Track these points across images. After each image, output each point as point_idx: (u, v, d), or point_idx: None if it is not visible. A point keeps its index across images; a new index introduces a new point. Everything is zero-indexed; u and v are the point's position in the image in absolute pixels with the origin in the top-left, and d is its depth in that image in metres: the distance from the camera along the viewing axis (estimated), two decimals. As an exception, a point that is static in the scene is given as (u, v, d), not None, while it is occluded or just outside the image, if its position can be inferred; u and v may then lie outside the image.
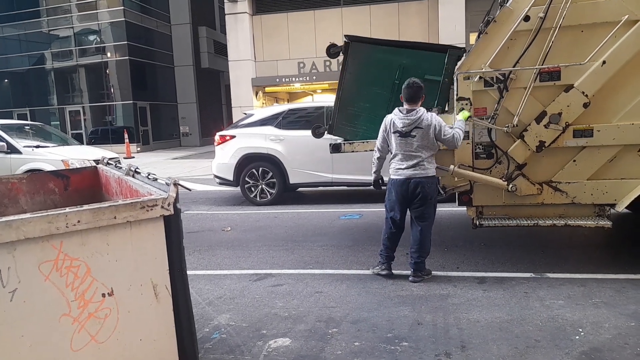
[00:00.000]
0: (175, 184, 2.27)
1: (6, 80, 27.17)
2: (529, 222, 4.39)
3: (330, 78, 18.14)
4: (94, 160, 8.20)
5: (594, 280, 4.09)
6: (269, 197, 8.41)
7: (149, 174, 2.69)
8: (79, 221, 2.04)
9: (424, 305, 3.78)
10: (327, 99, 16.71)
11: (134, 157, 19.69)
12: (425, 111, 4.17)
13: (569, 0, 4.06)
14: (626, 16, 3.97)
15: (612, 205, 4.27)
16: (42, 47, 25.89)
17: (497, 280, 4.23)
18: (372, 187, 4.71)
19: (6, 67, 26.74)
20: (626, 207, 4.26)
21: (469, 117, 4.32)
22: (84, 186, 3.70)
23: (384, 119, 4.34)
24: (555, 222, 4.33)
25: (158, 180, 2.55)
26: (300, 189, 9.26)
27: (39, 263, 2.00)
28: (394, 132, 4.20)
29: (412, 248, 4.33)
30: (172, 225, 2.27)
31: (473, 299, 3.86)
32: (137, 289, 2.21)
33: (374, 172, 4.55)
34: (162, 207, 2.21)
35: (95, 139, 24.18)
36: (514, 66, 4.26)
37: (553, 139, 4.25)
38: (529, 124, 4.28)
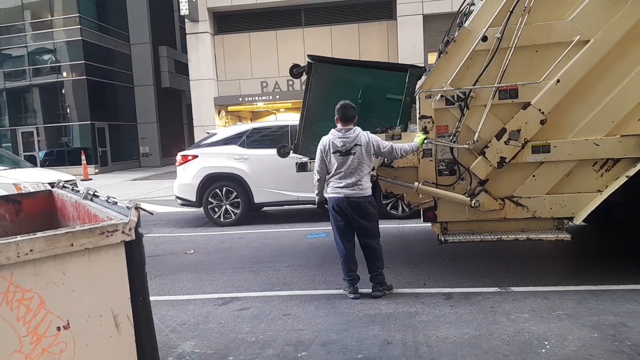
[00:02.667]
0: (137, 208, 2.17)
1: (-46, 101, 25.96)
2: (492, 237, 4.46)
3: (294, 97, 18.23)
4: (49, 184, 7.88)
5: (556, 293, 4.18)
6: (233, 217, 8.27)
7: (108, 198, 2.57)
8: (31, 250, 1.92)
9: (392, 323, 3.76)
10: (291, 118, 16.74)
11: (91, 179, 19.07)
12: (361, 130, 4.28)
13: (523, 22, 4.22)
14: (578, 37, 4.15)
15: (571, 219, 4.40)
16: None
17: (464, 296, 4.26)
18: (318, 209, 4.71)
19: (-46, 87, 25.57)
20: (583, 220, 4.40)
21: (425, 140, 4.39)
22: (37, 211, 3.51)
23: (321, 140, 4.39)
24: (517, 236, 4.42)
25: (118, 204, 2.44)
26: (265, 209, 9.16)
27: (-13, 296, 1.86)
28: (334, 152, 4.27)
29: (368, 265, 4.41)
30: (134, 251, 2.16)
31: (441, 315, 3.87)
32: (96, 320, 2.08)
33: (317, 195, 4.59)
34: (123, 232, 2.10)
35: (50, 161, 23.28)
36: (474, 85, 4.36)
37: (513, 155, 4.36)
38: (490, 141, 4.38)
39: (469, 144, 4.40)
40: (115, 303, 2.14)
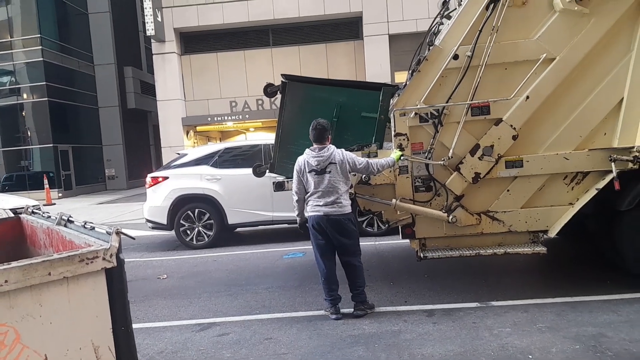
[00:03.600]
0: (118, 232, 2.09)
1: None
2: (470, 252, 4.50)
3: (263, 116, 18.20)
4: (12, 210, 7.55)
5: (535, 306, 4.23)
6: (206, 239, 8.10)
7: (85, 223, 2.47)
8: (6, 281, 1.81)
9: (377, 343, 3.72)
10: (262, 137, 16.70)
11: (55, 204, 18.42)
12: (335, 148, 4.29)
13: (492, 40, 4.35)
14: (544, 55, 4.30)
15: (545, 232, 4.49)
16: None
17: (446, 312, 4.27)
18: (300, 229, 4.68)
19: None
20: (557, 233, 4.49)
21: (401, 157, 4.43)
22: (4, 239, 3.33)
23: (296, 161, 4.39)
24: (495, 250, 4.48)
25: (96, 229, 2.34)
26: (239, 229, 9.02)
27: (-42, 333, 1.73)
28: (310, 171, 4.27)
29: (349, 284, 4.38)
30: (115, 278, 2.07)
31: (424, 333, 3.85)
32: (75, 353, 1.97)
33: (298, 216, 4.57)
34: (104, 258, 2.02)
35: (10, 186, 22.36)
36: (446, 102, 4.45)
37: (487, 170, 4.44)
38: (464, 157, 4.46)
39: (443, 160, 4.46)
40: (96, 334, 2.04)
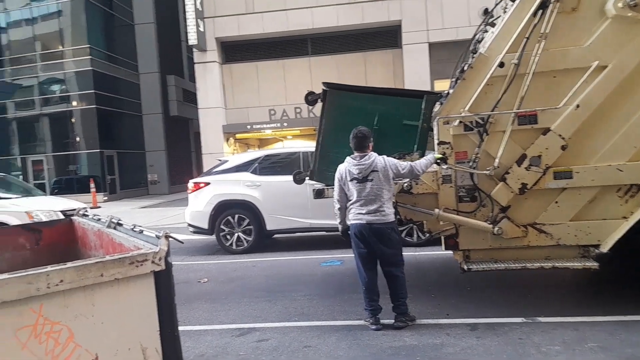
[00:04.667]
0: (167, 236, 2.12)
1: (-35, 131, 26.28)
2: (516, 265, 4.36)
3: (302, 124, 18.33)
4: (62, 212, 7.85)
5: (586, 324, 4.04)
6: (245, 245, 8.18)
7: (134, 226, 2.53)
8: (61, 281, 1.86)
9: (418, 356, 3.64)
10: (300, 145, 16.81)
11: (100, 207, 19.07)
12: (377, 155, 4.23)
13: (540, 48, 4.23)
14: (596, 62, 4.14)
15: (597, 246, 4.30)
16: (4, 97, 25.26)
17: (489, 327, 4.14)
18: (342, 237, 4.66)
19: (-35, 117, 25.92)
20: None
21: (440, 159, 4.35)
22: (57, 241, 3.46)
23: (337, 169, 4.36)
24: (542, 264, 4.31)
25: (145, 232, 2.39)
26: (277, 236, 9.08)
27: (16, 329, 1.79)
28: (351, 180, 4.23)
29: (391, 294, 4.31)
30: (163, 282, 2.11)
31: (467, 347, 3.75)
32: (124, 354, 2.01)
33: (340, 223, 4.54)
34: (153, 261, 2.05)
35: (60, 189, 23.33)
36: (492, 110, 4.34)
37: (534, 181, 4.30)
38: (511, 167, 4.33)
39: (489, 170, 4.35)
40: (144, 336, 2.07)
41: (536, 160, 4.27)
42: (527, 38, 4.24)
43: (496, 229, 4.35)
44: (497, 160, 4.34)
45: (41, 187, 22.99)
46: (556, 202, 4.33)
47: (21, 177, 24.03)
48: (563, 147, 4.23)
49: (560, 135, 4.23)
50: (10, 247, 3.37)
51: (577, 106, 4.20)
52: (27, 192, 9.90)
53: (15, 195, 9.23)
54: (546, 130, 4.27)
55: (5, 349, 1.76)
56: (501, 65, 4.33)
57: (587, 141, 4.27)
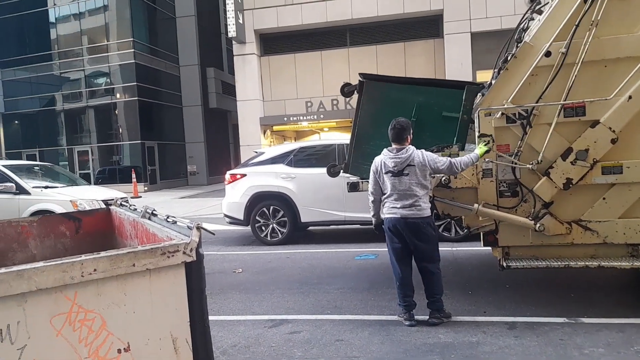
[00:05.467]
0: (198, 228, 2.11)
1: (16, 122, 27.51)
2: (559, 263, 4.17)
3: (338, 116, 18.25)
4: (104, 201, 8.10)
5: (633, 326, 3.84)
6: (280, 236, 8.22)
7: (167, 216, 2.54)
8: (95, 270, 1.88)
9: (453, 354, 3.54)
10: (336, 137, 16.74)
11: (141, 197, 19.62)
12: (415, 149, 4.11)
13: (590, 36, 4.00)
14: (651, 51, 3.89)
15: (647, 245, 4.06)
16: (52, 89, 26.31)
17: (529, 326, 3.99)
18: (375, 230, 4.58)
19: (16, 109, 27.12)
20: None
21: (487, 151, 4.19)
22: (96, 229, 3.55)
23: (374, 161, 4.27)
24: (587, 263, 4.11)
25: (178, 223, 2.40)
26: (311, 228, 9.07)
27: (51, 316, 1.82)
28: (386, 173, 4.14)
29: (426, 290, 4.21)
30: (194, 273, 2.10)
31: (505, 346, 3.62)
32: (155, 343, 2.02)
33: (373, 216, 4.46)
34: (184, 252, 2.05)
35: (103, 179, 24.20)
36: (536, 102, 4.15)
37: (581, 176, 4.09)
38: (555, 161, 4.14)
39: (532, 164, 4.17)
40: (175, 326, 2.07)
41: (583, 154, 4.06)
42: (577, 25, 4.02)
43: (538, 225, 4.17)
44: (541, 153, 4.15)
45: (86, 177, 23.91)
46: (604, 199, 4.10)
47: (67, 167, 25.00)
48: (613, 141, 4.01)
49: (610, 128, 4.00)
50: (52, 235, 3.48)
51: (630, 97, 3.96)
52: (72, 182, 10.26)
53: (62, 185, 9.58)
54: (595, 123, 4.05)
55: (40, 335, 1.80)
56: (547, 54, 4.13)
57: (639, 134, 4.03)
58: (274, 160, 8.44)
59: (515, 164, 4.22)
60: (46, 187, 8.88)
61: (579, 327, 3.89)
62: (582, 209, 4.19)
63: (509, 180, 4.31)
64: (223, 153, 30.46)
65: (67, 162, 25.79)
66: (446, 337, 3.85)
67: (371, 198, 4.36)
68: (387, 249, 4.38)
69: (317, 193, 7.98)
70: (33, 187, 8.66)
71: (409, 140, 4.18)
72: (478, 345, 3.66)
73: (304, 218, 8.11)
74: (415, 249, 4.16)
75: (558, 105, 4.10)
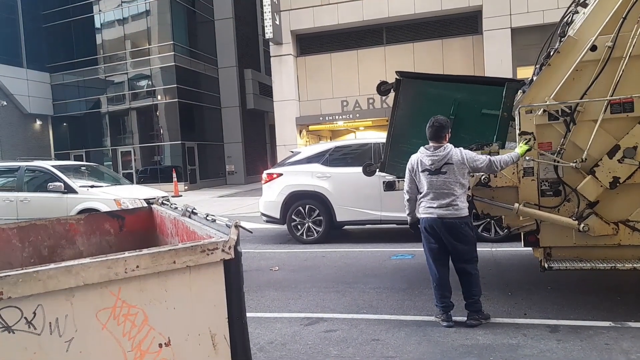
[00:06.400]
0: (237, 226, 2.15)
1: (64, 124, 28.70)
2: (605, 265, 4.02)
3: (374, 115, 18.16)
4: (145, 200, 8.35)
5: (685, 332, 3.66)
6: (315, 235, 8.26)
7: (207, 215, 2.59)
8: (137, 266, 1.94)
9: (492, 356, 3.47)
10: (371, 136, 16.66)
11: (181, 196, 20.11)
12: (453, 147, 4.04)
13: (639, 29, 3.83)
14: None
15: (700, 247, 3.86)
16: (98, 93, 27.31)
17: (572, 329, 3.86)
18: (411, 230, 4.53)
19: (65, 111, 28.32)
20: None
21: (528, 150, 4.07)
22: (138, 227, 3.66)
23: (410, 159, 4.21)
24: (636, 265, 3.95)
25: (217, 222, 2.44)
26: (346, 227, 9.06)
27: (97, 311, 1.90)
28: (423, 171, 4.07)
29: (464, 291, 4.14)
30: (232, 270, 2.14)
31: (547, 350, 3.52)
32: (194, 339, 2.07)
33: (408, 215, 4.41)
34: (223, 250, 2.08)
35: (145, 178, 24.93)
36: (581, 98, 4.02)
37: (628, 174, 3.93)
38: (601, 159, 4.00)
39: (576, 162, 4.04)
40: (213, 322, 2.11)
41: (631, 152, 3.90)
42: (624, 18, 3.87)
43: (582, 225, 4.03)
44: (585, 151, 4.02)
45: (129, 177, 24.68)
46: (653, 198, 3.93)
47: (111, 167, 25.88)
48: (663, 138, 3.83)
49: (660, 125, 3.83)
50: (98, 233, 3.61)
51: (681, 92, 3.77)
52: (116, 181, 10.63)
53: (106, 184, 9.95)
54: (644, 119, 3.88)
55: (87, 328, 1.87)
56: (593, 48, 3.99)
57: (691, 131, 3.83)
58: (309, 160, 8.48)
59: (558, 162, 4.09)
60: (92, 187, 9.24)
61: (625, 332, 3.73)
62: (629, 208, 4.03)
63: (551, 179, 4.19)
64: (260, 153, 30.84)
65: (111, 162, 26.71)
66: (484, 339, 3.78)
67: (406, 197, 4.32)
68: (423, 249, 4.33)
69: (352, 192, 7.97)
70: (80, 187, 9.03)
71: (447, 139, 4.12)
72: (518, 348, 3.57)
73: (339, 217, 8.11)
74: (453, 250, 4.09)
75: (604, 101, 3.95)
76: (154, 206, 3.71)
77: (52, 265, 1.81)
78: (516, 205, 4.20)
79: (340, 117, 18.55)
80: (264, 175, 8.76)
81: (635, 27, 3.84)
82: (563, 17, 5.00)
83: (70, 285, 1.82)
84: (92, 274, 1.86)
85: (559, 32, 4.92)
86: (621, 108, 3.94)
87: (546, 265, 4.18)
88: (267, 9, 17.57)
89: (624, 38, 3.87)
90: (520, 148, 4.08)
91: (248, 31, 30.74)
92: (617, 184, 3.96)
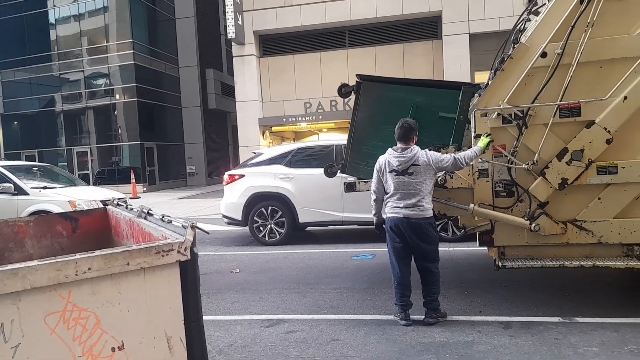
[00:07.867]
0: (193, 227, 2.13)
1: (15, 123, 27.51)
2: (554, 263, 4.19)
3: (337, 117, 18.26)
4: (102, 201, 8.11)
5: (627, 325, 3.86)
6: (278, 236, 8.23)
7: (163, 216, 2.55)
8: (89, 268, 1.90)
9: (448, 353, 3.56)
10: (334, 138, 16.74)
11: (140, 197, 19.63)
12: (419, 149, 4.13)
13: (586, 37, 4.02)
14: (646, 51, 3.90)
15: (642, 245, 4.08)
16: (52, 90, 26.33)
17: (524, 325, 4.01)
18: (376, 230, 4.59)
19: (16, 109, 27.14)
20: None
21: (490, 142, 4.19)
22: (92, 229, 3.56)
23: (378, 160, 4.28)
24: (582, 262, 4.13)
25: (173, 223, 2.41)
26: (309, 228, 9.09)
27: (45, 315, 1.84)
28: (390, 172, 4.15)
29: (424, 290, 4.23)
30: (189, 272, 2.12)
31: (500, 346, 3.64)
32: (149, 342, 2.04)
33: (374, 215, 4.47)
34: (179, 251, 2.06)
35: (102, 180, 24.20)
36: (532, 102, 4.17)
37: (576, 176, 4.11)
38: (550, 161, 4.16)
39: (528, 164, 4.19)
40: (169, 325, 2.09)
41: (578, 155, 4.08)
42: (573, 26, 4.03)
43: (533, 225, 4.19)
44: (536, 154, 4.17)
45: (85, 178, 23.92)
46: (599, 199, 4.12)
47: (67, 168, 25.00)
48: (608, 141, 4.02)
49: (605, 129, 4.02)
50: (49, 235, 3.49)
51: (625, 98, 3.98)
52: (71, 182, 10.27)
53: (60, 185, 9.59)
54: (590, 123, 4.06)
55: (34, 333, 1.81)
56: (543, 55, 4.14)
57: (634, 135, 4.04)
58: (272, 161, 8.45)
59: (511, 164, 4.24)
60: (45, 188, 8.89)
61: (573, 327, 3.90)
62: (577, 209, 4.20)
63: (504, 181, 4.33)
64: (222, 154, 30.48)
65: (66, 163, 25.79)
66: (441, 337, 3.87)
67: (373, 197, 4.37)
68: (385, 249, 4.39)
69: (315, 193, 7.99)
70: (31, 188, 8.68)
71: (414, 141, 4.20)
72: (473, 345, 3.68)
73: (302, 218, 8.12)
74: (417, 249, 4.16)
75: (554, 106, 4.11)
76: (109, 207, 3.62)
77: (-4, 268, 1.74)
78: (471, 205, 4.32)
79: (304, 118, 18.56)
80: (226, 177, 8.67)
81: (583, 36, 4.01)
82: (516, 25, 5.18)
83: (16, 289, 1.76)
84: (40, 277, 1.81)
85: (512, 38, 5.10)
86: (569, 112, 4.11)
87: (500, 264, 4.32)
88: (229, 8, 17.40)
89: (573, 45, 4.04)
90: (482, 142, 4.19)
91: (210, 30, 30.37)
92: (566, 185, 4.13)
